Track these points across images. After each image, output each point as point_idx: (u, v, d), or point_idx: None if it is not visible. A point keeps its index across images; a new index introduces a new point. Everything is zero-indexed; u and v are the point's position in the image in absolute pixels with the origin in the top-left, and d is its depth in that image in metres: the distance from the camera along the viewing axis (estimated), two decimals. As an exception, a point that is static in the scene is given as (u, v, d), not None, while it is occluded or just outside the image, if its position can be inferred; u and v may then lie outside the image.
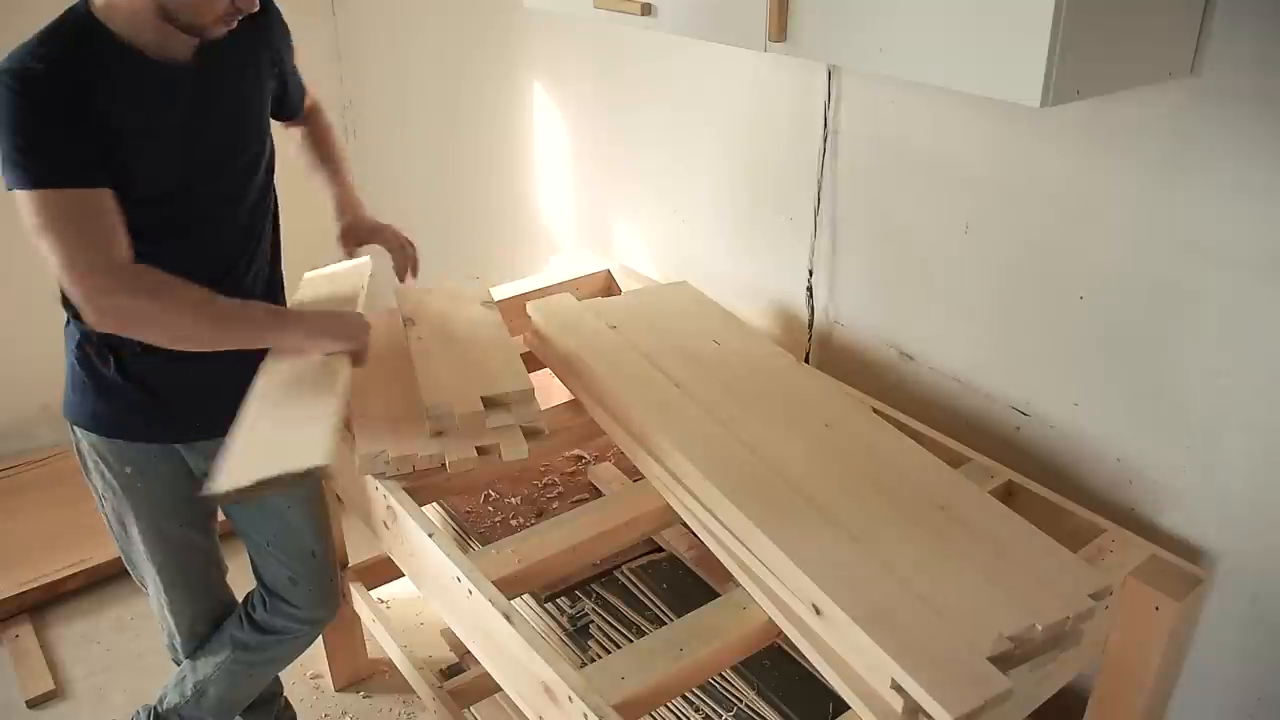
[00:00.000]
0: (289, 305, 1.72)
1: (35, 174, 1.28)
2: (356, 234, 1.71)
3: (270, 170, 1.60)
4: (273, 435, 1.34)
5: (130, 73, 1.37)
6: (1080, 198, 1.49)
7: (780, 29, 1.34)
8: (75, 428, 1.57)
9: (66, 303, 1.49)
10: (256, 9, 1.38)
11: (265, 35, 1.55)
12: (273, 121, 1.65)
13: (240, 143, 1.53)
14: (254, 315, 1.43)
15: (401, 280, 1.74)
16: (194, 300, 1.36)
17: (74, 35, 1.34)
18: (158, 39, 1.38)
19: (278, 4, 1.59)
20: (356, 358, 1.50)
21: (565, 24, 2.38)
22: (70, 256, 1.29)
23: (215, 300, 1.38)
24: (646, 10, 1.53)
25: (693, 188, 2.21)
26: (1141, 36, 1.19)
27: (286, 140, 1.75)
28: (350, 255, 1.73)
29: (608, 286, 2.30)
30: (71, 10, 1.37)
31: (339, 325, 1.49)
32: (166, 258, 1.40)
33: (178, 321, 1.36)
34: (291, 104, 1.69)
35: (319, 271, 1.85)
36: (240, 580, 1.83)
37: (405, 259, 1.73)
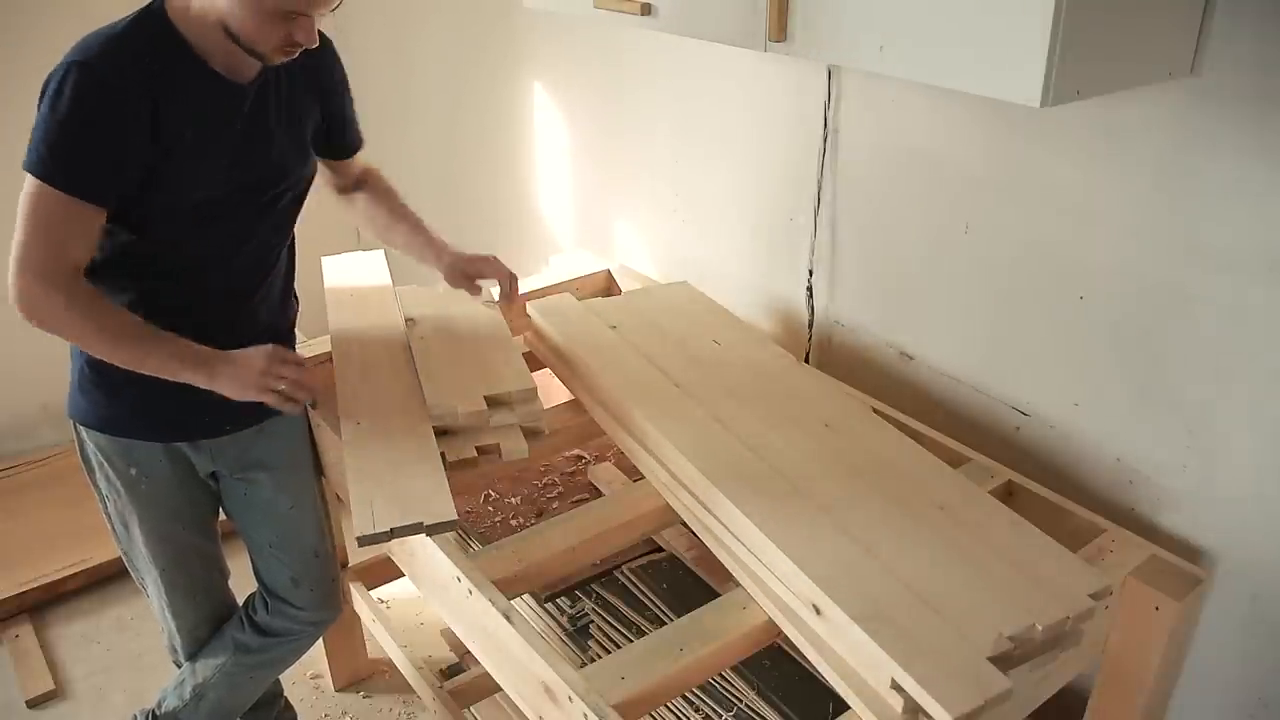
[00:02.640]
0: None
1: (47, 165, 1.30)
2: (464, 270, 1.69)
3: (295, 204, 1.60)
4: (396, 487, 1.42)
5: (197, 87, 1.38)
6: (1080, 198, 1.49)
7: (780, 29, 1.34)
8: (81, 428, 1.57)
9: None
10: (316, 45, 1.39)
11: (315, 71, 1.56)
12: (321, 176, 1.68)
13: (276, 172, 1.53)
14: (160, 355, 1.40)
15: (510, 301, 1.74)
16: (110, 326, 1.37)
17: (151, 40, 1.35)
18: (225, 55, 1.40)
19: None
20: (289, 401, 1.44)
21: (565, 24, 2.38)
22: (26, 250, 1.32)
23: (135, 329, 1.38)
24: (646, 10, 1.53)
25: (693, 187, 2.21)
26: (1141, 36, 1.19)
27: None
28: (468, 290, 1.71)
29: (608, 286, 2.30)
30: (149, 10, 1.37)
31: (237, 377, 1.42)
32: (172, 263, 1.45)
33: (90, 336, 1.38)
34: (342, 145, 1.67)
35: (337, 258, 1.96)
36: (242, 584, 1.83)
37: (512, 287, 1.72)
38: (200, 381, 1.41)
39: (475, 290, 1.71)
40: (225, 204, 1.45)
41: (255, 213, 1.51)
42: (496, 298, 1.74)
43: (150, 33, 1.35)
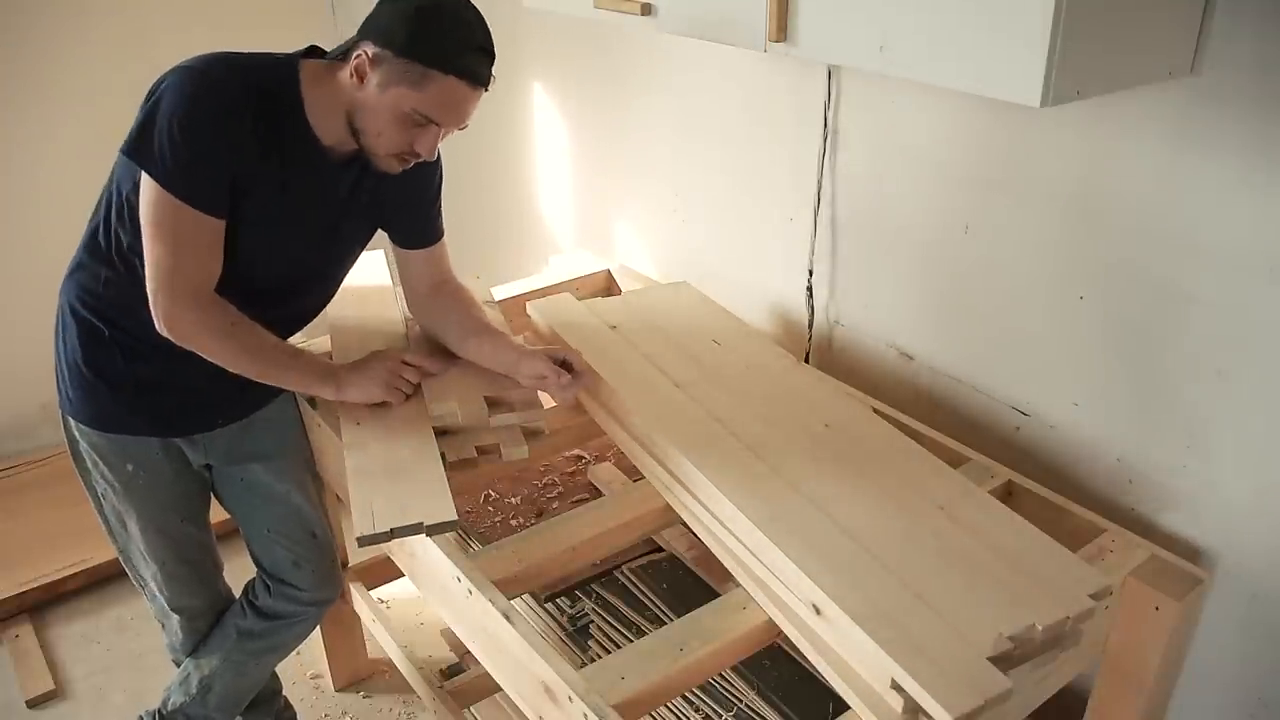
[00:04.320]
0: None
1: (173, 177, 1.33)
2: (534, 367, 1.58)
3: (322, 294, 1.66)
4: (396, 487, 1.42)
5: (290, 148, 1.41)
6: (1080, 197, 1.49)
7: (780, 29, 1.33)
8: (75, 427, 1.57)
9: (73, 295, 1.51)
10: (432, 159, 1.44)
11: (415, 176, 1.56)
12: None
13: (328, 258, 1.58)
14: (293, 373, 1.51)
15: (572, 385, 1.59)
16: (250, 347, 1.45)
17: (273, 84, 1.39)
18: (332, 133, 1.43)
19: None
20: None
21: (565, 24, 2.38)
22: (167, 269, 1.37)
23: (270, 351, 1.48)
24: (646, 10, 1.53)
25: (693, 188, 2.21)
26: (1141, 36, 1.19)
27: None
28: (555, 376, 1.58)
29: (608, 286, 2.30)
30: (286, 60, 1.42)
31: (363, 387, 1.54)
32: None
33: (227, 359, 1.45)
34: (409, 237, 1.66)
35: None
36: (237, 578, 1.83)
37: (571, 376, 1.58)
38: (329, 393, 1.54)
39: (560, 381, 1.56)
40: (256, 267, 1.48)
41: (273, 293, 1.52)
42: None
43: (277, 75, 1.40)
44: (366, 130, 1.39)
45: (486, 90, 1.42)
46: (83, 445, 1.58)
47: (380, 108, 1.35)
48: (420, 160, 1.43)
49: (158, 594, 1.72)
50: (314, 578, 1.77)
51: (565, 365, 1.59)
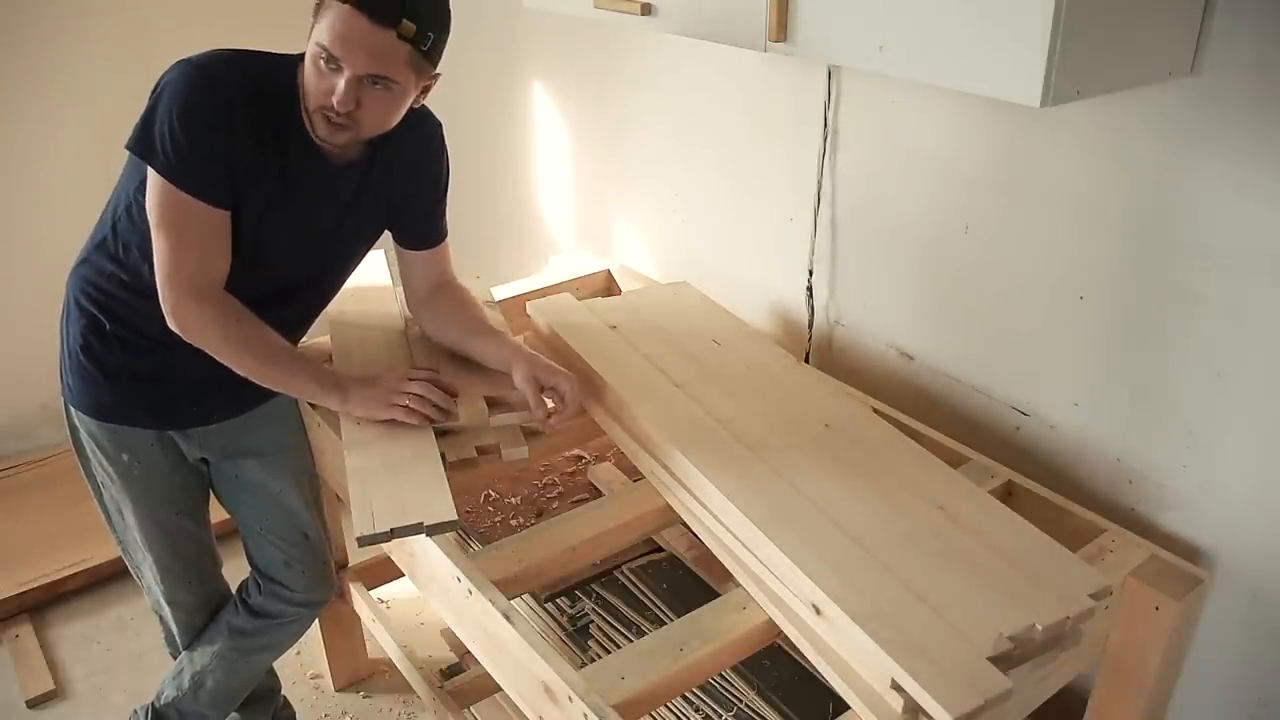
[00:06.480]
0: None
1: (175, 168, 1.34)
2: (539, 379, 1.53)
3: (325, 295, 1.66)
4: (396, 487, 1.42)
5: (289, 148, 1.41)
6: (1080, 198, 1.49)
7: (780, 29, 1.34)
8: (75, 416, 1.59)
9: (78, 288, 1.52)
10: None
11: (414, 168, 1.56)
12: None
13: (318, 262, 1.58)
14: (300, 379, 1.50)
15: (561, 419, 1.55)
16: (257, 349, 1.44)
17: (272, 83, 1.39)
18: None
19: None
20: (416, 415, 1.50)
21: (565, 24, 2.38)
22: (173, 262, 1.38)
23: (277, 353, 1.47)
24: (646, 10, 1.53)
25: (693, 188, 2.21)
26: (1141, 36, 1.19)
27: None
28: (533, 401, 1.53)
29: (608, 286, 2.30)
30: (289, 59, 1.42)
31: (371, 402, 1.50)
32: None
33: (232, 358, 1.44)
34: (410, 235, 1.65)
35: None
36: (235, 575, 1.83)
37: (569, 408, 1.55)
38: (334, 404, 1.50)
39: (541, 404, 1.53)
40: (255, 263, 1.48)
41: (263, 289, 1.51)
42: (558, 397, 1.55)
43: (278, 71, 1.39)
44: (305, 88, 1.36)
45: (399, 33, 1.28)
46: (83, 434, 1.60)
47: (306, 60, 1.35)
48: (339, 116, 1.34)
49: (153, 585, 1.73)
50: (305, 579, 1.77)
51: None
